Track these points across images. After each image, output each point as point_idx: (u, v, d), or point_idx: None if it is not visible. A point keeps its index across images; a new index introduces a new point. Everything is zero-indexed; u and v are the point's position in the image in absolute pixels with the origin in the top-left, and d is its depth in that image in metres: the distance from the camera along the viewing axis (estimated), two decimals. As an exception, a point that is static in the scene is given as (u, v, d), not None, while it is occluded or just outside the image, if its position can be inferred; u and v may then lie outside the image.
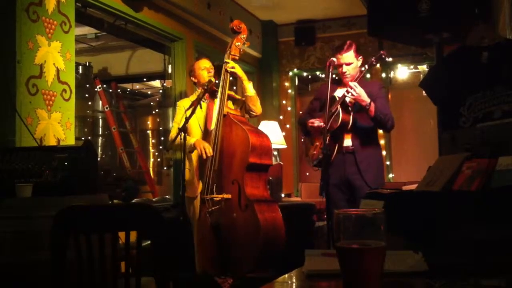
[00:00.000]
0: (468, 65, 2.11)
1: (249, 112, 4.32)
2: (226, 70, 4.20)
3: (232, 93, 4.48)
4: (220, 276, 3.96)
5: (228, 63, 4.20)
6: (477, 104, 1.95)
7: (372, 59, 4.01)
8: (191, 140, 4.15)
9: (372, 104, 3.91)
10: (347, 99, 3.99)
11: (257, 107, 4.30)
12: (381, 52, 3.99)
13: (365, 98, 3.90)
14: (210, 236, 3.99)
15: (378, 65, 7.45)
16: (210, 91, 4.40)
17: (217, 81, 4.38)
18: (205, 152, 4.02)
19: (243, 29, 4.28)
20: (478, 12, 3.49)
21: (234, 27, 4.28)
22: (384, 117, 3.99)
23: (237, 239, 3.87)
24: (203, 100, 4.39)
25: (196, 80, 4.51)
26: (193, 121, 4.29)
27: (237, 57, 4.28)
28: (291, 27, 8.11)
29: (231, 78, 4.32)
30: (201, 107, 4.37)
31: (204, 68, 4.43)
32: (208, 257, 4.07)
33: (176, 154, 5.67)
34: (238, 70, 4.21)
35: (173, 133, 4.31)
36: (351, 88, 3.88)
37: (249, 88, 4.23)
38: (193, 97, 4.43)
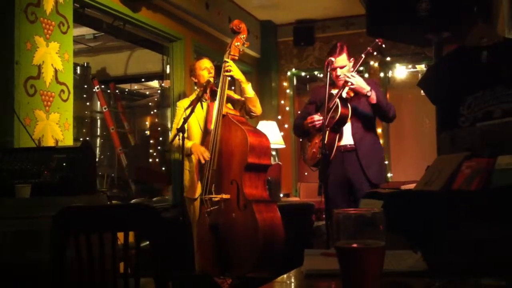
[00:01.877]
0: (467, 65, 2.11)
1: (249, 113, 4.31)
2: (223, 75, 4.19)
3: (232, 93, 4.47)
4: (219, 276, 3.96)
5: (226, 64, 4.18)
6: (476, 103, 1.95)
7: (369, 48, 4.05)
8: (188, 143, 4.15)
9: (373, 92, 3.93)
10: (344, 94, 3.99)
11: (257, 107, 4.30)
12: (377, 40, 4.00)
13: (364, 85, 3.92)
14: (209, 236, 3.98)
15: (376, 64, 7.46)
16: (211, 91, 4.40)
17: (216, 81, 4.37)
18: (203, 157, 4.03)
19: (243, 29, 4.27)
20: (478, 12, 3.49)
21: (234, 27, 4.27)
22: (386, 104, 4.00)
23: (235, 239, 3.87)
24: (204, 100, 4.38)
25: (196, 80, 4.51)
26: (193, 121, 4.29)
27: (236, 57, 4.28)
28: (290, 27, 8.11)
29: (229, 79, 4.30)
30: (202, 107, 4.36)
31: (205, 68, 4.42)
32: (207, 257, 4.07)
33: (175, 154, 5.66)
34: (235, 72, 4.18)
35: (173, 133, 4.30)
36: (346, 76, 3.91)
37: (248, 90, 4.22)
38: (192, 97, 4.43)
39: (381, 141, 6.76)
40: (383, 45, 4.00)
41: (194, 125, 4.33)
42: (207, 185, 4.00)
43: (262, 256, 3.74)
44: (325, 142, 3.81)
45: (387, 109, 4.04)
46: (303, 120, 4.26)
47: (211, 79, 4.36)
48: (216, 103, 4.15)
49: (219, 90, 4.15)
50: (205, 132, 4.29)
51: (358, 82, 3.91)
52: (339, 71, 4.10)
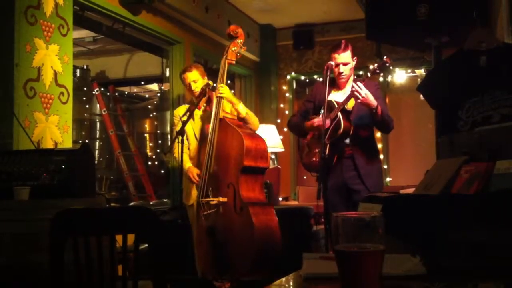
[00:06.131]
0: (466, 69, 2.11)
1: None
2: (216, 96, 4.16)
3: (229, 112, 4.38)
4: (217, 280, 3.96)
5: (219, 88, 4.14)
6: (475, 108, 1.95)
7: (375, 67, 3.91)
8: (186, 164, 4.25)
9: (379, 107, 3.83)
10: (345, 106, 3.94)
11: (252, 124, 4.27)
12: (385, 59, 3.84)
13: (372, 100, 3.77)
14: (206, 239, 3.98)
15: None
16: (207, 97, 4.35)
17: (214, 84, 4.34)
18: (194, 179, 4.19)
19: (239, 33, 4.26)
20: (477, 16, 3.50)
21: (231, 32, 4.27)
22: (388, 118, 3.94)
23: (232, 242, 3.87)
24: (200, 108, 4.37)
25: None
26: (189, 130, 4.29)
27: (233, 62, 4.27)
28: (289, 31, 8.12)
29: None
30: (193, 119, 4.32)
31: (190, 82, 4.42)
32: (205, 260, 4.06)
33: (174, 157, 5.66)
34: (227, 95, 4.16)
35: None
36: (355, 90, 3.71)
37: (241, 109, 4.21)
38: (186, 106, 4.44)
39: (380, 145, 6.79)
40: (391, 67, 3.89)
41: (190, 134, 4.34)
42: (204, 188, 4.00)
43: (257, 259, 3.73)
44: (326, 153, 3.77)
45: (388, 122, 3.96)
46: (301, 119, 4.23)
47: (211, 82, 4.35)
48: (213, 109, 4.12)
49: (213, 113, 4.10)
50: (201, 140, 4.28)
51: (368, 96, 3.75)
52: (341, 68, 4.00)
